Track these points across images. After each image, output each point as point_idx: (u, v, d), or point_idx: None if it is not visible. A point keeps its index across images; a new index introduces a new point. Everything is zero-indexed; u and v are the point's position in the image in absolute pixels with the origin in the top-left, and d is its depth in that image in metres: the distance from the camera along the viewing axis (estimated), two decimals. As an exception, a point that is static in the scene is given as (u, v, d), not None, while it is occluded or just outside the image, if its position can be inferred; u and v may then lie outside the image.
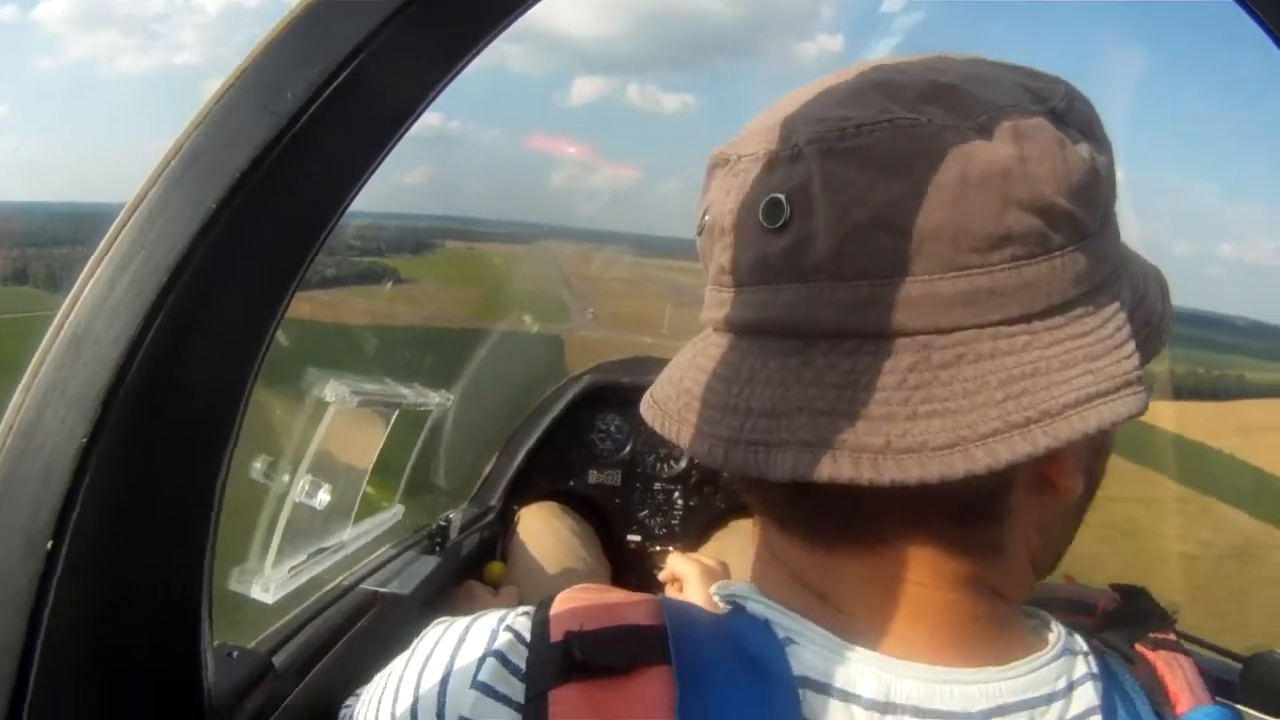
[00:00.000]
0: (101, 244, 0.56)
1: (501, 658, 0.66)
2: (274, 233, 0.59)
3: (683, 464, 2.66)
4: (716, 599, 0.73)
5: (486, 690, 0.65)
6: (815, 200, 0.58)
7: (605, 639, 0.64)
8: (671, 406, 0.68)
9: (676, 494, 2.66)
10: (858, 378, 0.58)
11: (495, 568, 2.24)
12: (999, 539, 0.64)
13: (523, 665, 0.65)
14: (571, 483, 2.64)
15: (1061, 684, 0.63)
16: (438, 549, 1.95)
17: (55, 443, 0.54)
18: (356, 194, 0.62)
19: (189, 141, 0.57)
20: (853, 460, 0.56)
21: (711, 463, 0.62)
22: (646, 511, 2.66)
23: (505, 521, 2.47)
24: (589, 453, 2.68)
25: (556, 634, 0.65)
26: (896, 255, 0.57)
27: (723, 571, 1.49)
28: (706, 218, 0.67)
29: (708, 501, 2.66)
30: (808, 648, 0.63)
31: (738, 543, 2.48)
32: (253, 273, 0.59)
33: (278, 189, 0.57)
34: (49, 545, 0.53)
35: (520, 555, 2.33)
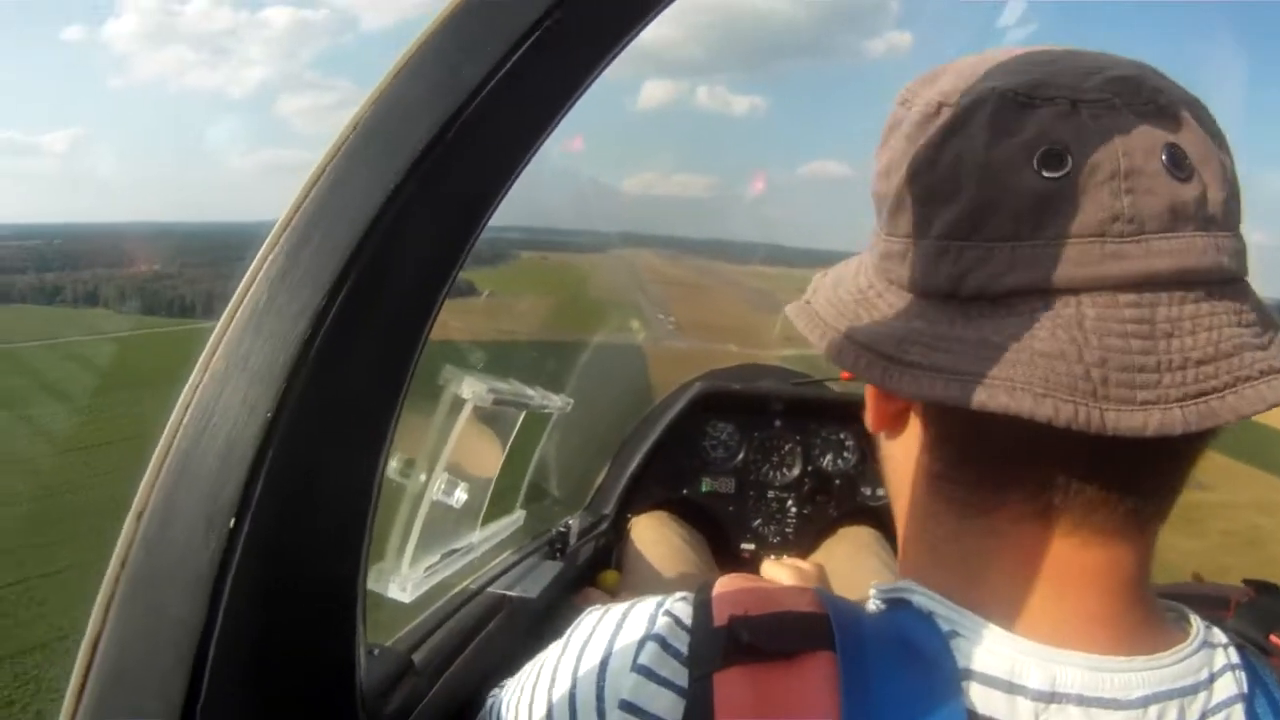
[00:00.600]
0: (281, 219, 0.56)
1: (662, 641, 0.66)
2: (447, 207, 0.59)
3: (795, 472, 2.63)
4: (873, 594, 0.72)
5: (647, 674, 0.65)
6: (1203, 156, 0.61)
7: (770, 623, 0.64)
8: (1084, 386, 0.57)
9: (790, 501, 2.63)
10: (1239, 316, 0.61)
11: (609, 576, 2.23)
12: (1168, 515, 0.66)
13: (684, 649, 0.65)
14: (685, 491, 2.62)
15: (1204, 675, 0.63)
16: (559, 554, 1.95)
17: (237, 418, 0.54)
18: (525, 166, 0.61)
19: (367, 117, 0.57)
20: None
21: (1173, 430, 0.57)
22: (760, 520, 2.63)
23: (619, 529, 2.46)
24: (701, 460, 2.65)
25: (720, 618, 0.65)
26: (1239, 212, 0.63)
27: (818, 575, 1.48)
28: (1073, 162, 0.60)
29: (821, 510, 2.62)
30: (971, 640, 0.62)
31: (846, 549, 2.46)
32: (426, 248, 0.59)
33: (455, 163, 0.57)
34: (231, 524, 0.53)
35: (634, 563, 2.32)
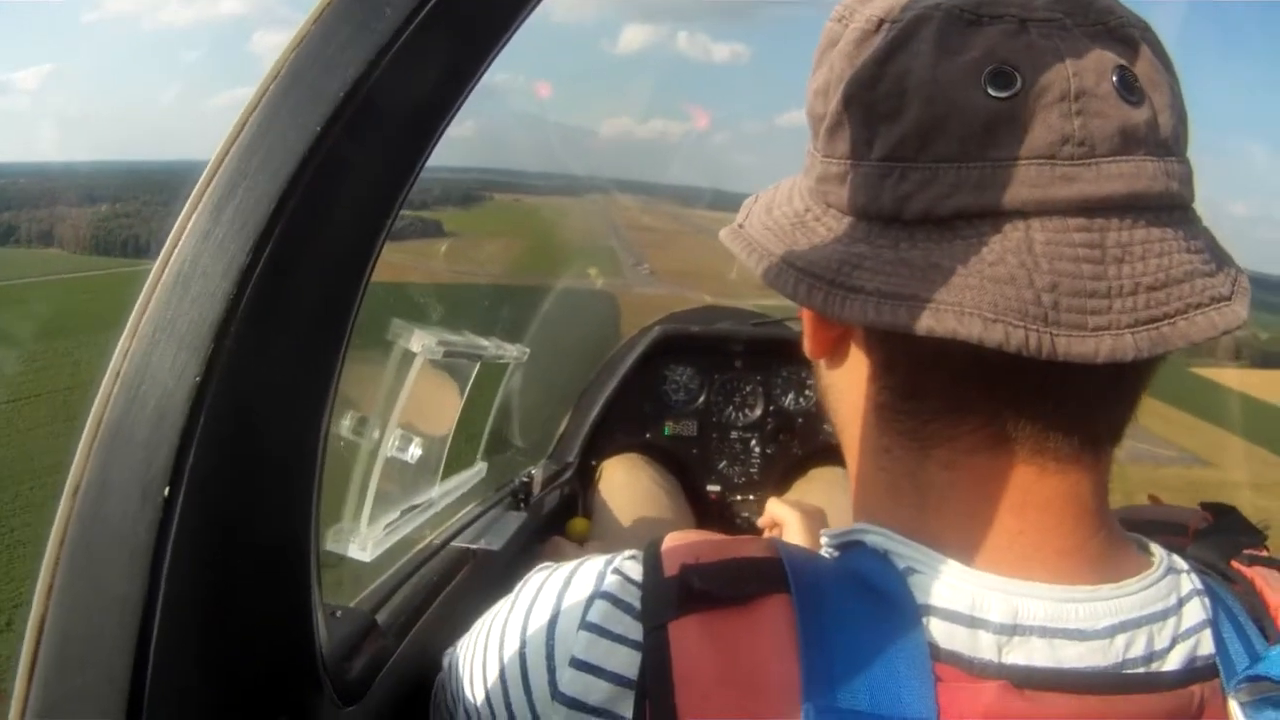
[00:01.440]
0: (203, 176, 0.54)
1: (612, 598, 0.66)
2: (376, 154, 0.57)
3: (758, 412, 2.64)
4: (825, 543, 0.72)
5: (599, 631, 0.65)
6: (1152, 80, 0.61)
7: (722, 570, 0.64)
8: (1035, 311, 0.56)
9: (754, 442, 2.64)
10: (1189, 243, 0.61)
11: (578, 524, 2.22)
12: (1121, 439, 0.66)
13: (636, 604, 0.65)
14: (647, 435, 2.62)
15: (1172, 600, 0.63)
16: (522, 505, 1.94)
17: (166, 384, 0.52)
18: (456, 111, 0.60)
19: (287, 65, 0.55)
20: (1243, 307, 0.61)
21: (1124, 356, 0.56)
22: (725, 461, 2.64)
23: (584, 477, 2.46)
24: (663, 404, 2.65)
25: (671, 569, 0.65)
26: (1186, 138, 0.63)
27: (821, 518, 1.47)
28: (1023, 82, 0.58)
29: (785, 449, 2.63)
30: (929, 575, 0.62)
31: (819, 490, 2.46)
32: (356, 197, 0.57)
33: (379, 109, 0.55)
34: (165, 492, 0.52)
35: (604, 509, 2.31)
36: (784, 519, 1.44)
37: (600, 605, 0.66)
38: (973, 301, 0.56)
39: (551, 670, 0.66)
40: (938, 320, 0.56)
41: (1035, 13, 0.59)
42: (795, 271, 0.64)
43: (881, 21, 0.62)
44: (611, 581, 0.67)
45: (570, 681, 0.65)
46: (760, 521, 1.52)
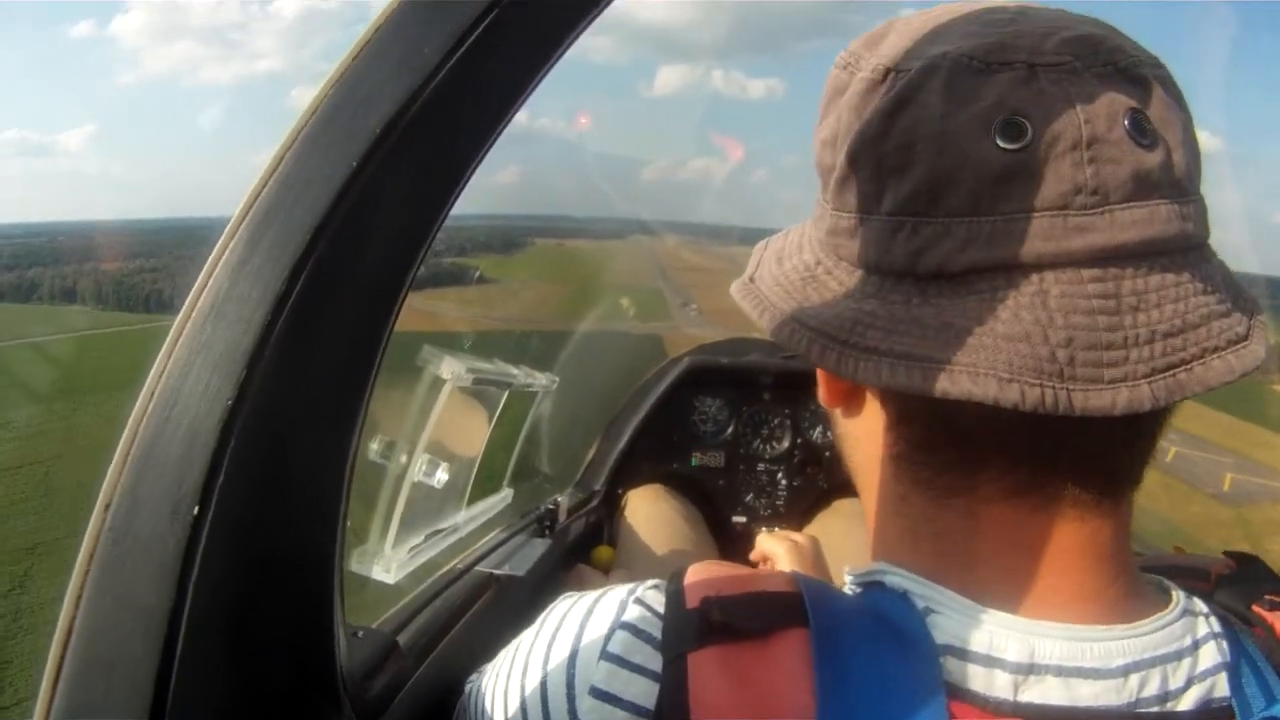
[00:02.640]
0: (240, 206, 0.56)
1: (633, 629, 0.66)
2: (412, 189, 0.59)
3: (785, 444, 2.64)
4: (848, 579, 0.71)
5: (619, 661, 0.65)
6: (1165, 120, 0.60)
7: (743, 603, 0.64)
8: (1050, 368, 0.56)
9: (780, 474, 2.63)
10: (1204, 284, 0.61)
11: (603, 552, 2.23)
12: (1141, 481, 0.66)
13: (657, 634, 0.65)
14: (675, 465, 2.62)
15: (1187, 642, 0.63)
16: (547, 532, 1.95)
17: (200, 406, 0.54)
18: (491, 146, 0.61)
19: (325, 100, 0.56)
20: (1262, 346, 0.61)
21: (1141, 407, 0.56)
22: (751, 493, 2.64)
23: (610, 506, 2.47)
24: (691, 435, 2.66)
25: (692, 601, 0.65)
26: (1199, 175, 0.62)
27: (812, 548, 1.47)
28: (1033, 132, 0.57)
29: (811, 481, 2.63)
30: (948, 616, 0.62)
31: (841, 524, 2.45)
32: (390, 230, 0.59)
33: (415, 144, 0.57)
34: (195, 511, 0.53)
35: (629, 538, 2.32)
36: (774, 553, 1.45)
37: (621, 636, 0.66)
38: (987, 362, 0.56)
39: (571, 699, 0.66)
40: (953, 382, 0.56)
41: (1044, 57, 0.59)
42: (808, 331, 0.64)
43: (888, 71, 0.62)
44: (633, 612, 0.67)
45: (589, 711, 0.65)
46: (751, 556, 1.52)
